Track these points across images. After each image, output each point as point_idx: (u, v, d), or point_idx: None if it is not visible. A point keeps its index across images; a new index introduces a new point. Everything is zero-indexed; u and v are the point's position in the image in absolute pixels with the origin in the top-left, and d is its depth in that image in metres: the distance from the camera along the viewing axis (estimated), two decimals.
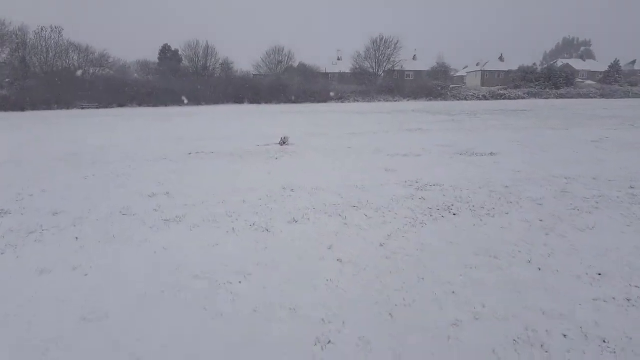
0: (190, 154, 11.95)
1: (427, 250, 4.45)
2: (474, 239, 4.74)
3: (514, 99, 54.55)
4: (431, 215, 5.63)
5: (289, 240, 4.85)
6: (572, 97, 54.18)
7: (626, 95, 53.85)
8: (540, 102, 44.80)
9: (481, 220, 5.42)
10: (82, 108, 53.30)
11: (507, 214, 5.67)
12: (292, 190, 7.11)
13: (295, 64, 63.43)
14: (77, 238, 5.02)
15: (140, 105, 58.10)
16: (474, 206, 6.02)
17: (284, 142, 12.94)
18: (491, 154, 10.61)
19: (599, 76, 69.69)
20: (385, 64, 63.67)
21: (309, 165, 9.39)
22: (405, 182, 7.54)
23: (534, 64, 65.73)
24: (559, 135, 14.26)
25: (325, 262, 4.22)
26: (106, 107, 54.29)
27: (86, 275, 4.02)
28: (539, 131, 15.57)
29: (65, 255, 4.50)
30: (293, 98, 53.57)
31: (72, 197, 6.99)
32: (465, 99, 55.56)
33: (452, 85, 59.96)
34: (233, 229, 5.25)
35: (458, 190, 6.92)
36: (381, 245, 4.60)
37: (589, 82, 65.19)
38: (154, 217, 5.81)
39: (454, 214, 5.68)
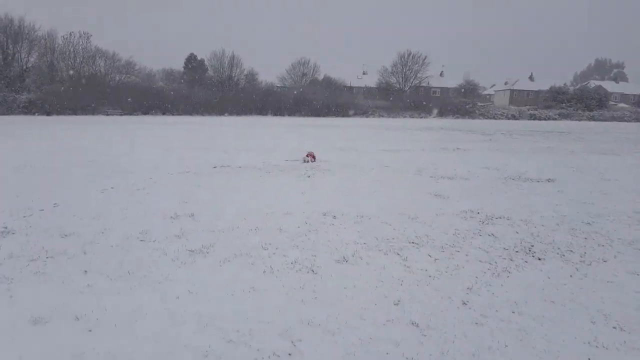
0: (215, 167, 11.15)
1: (525, 314, 3.43)
2: (582, 299, 3.69)
3: (545, 119, 52.89)
4: (512, 260, 4.61)
5: (342, 287, 3.89)
6: (604, 120, 52.23)
7: None
8: (572, 123, 43.13)
9: (577, 269, 4.37)
10: (107, 114, 53.76)
11: (605, 261, 4.60)
12: (334, 217, 6.17)
13: (320, 77, 63.03)
14: (85, 271, 4.15)
15: (164, 113, 58.33)
16: (559, 249, 4.96)
17: (313, 158, 12.06)
18: (548, 180, 9.50)
19: (632, 99, 67.37)
20: (412, 80, 62.77)
21: (347, 186, 8.46)
22: (464, 212, 6.52)
23: (565, 84, 63.88)
24: (612, 161, 13.01)
25: (396, 326, 3.24)
26: (130, 114, 54.69)
27: (90, 331, 3.12)
28: (590, 156, 14.33)
29: (69, 297, 3.62)
30: (317, 111, 52.99)
31: (86, 214, 6.18)
32: (494, 117, 54.14)
33: (480, 104, 58.59)
34: (271, 267, 4.32)
35: (531, 225, 5.87)
36: (464, 303, 3.59)
37: (621, 104, 63.00)
38: (176, 245, 4.92)
39: (539, 259, 4.64)
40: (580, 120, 51.96)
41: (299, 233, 5.43)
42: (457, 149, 15.63)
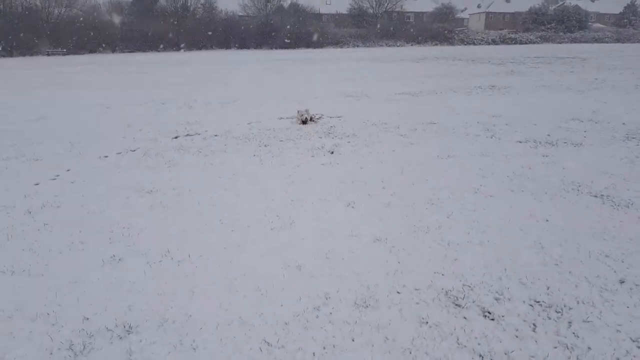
0: (177, 137, 7.05)
1: None
2: None
3: (526, 43, 49.20)
4: None
5: None
6: (586, 42, 49.01)
7: None
8: (560, 47, 39.60)
9: None
10: (48, 54, 46.22)
11: None
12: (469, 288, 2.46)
13: (286, 4, 56.09)
14: None
15: (113, 51, 50.88)
16: None
17: (316, 116, 8.04)
18: None
19: (608, 19, 64.08)
20: (385, 4, 56.80)
21: (411, 179, 4.68)
22: None
23: (544, 4, 59.50)
24: None
25: None
26: (75, 53, 47.27)
27: None
28: None
29: None
30: (286, 42, 47.22)
31: None
32: (474, 43, 50.01)
33: (459, 29, 53.96)
34: None
35: None
36: None
37: (598, 25, 59.61)
38: None
39: None
40: (561, 43, 48.53)
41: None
42: (492, 86, 11.81)
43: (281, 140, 6.68)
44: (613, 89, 10.94)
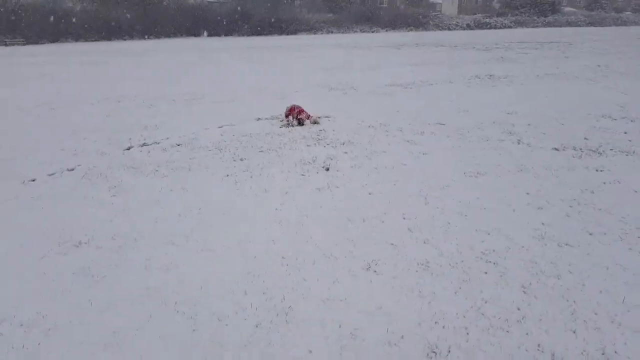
0: (129, 148, 5.56)
1: None
2: None
3: (500, 27, 48.52)
4: None
5: None
6: (560, 26, 48.67)
7: (615, 22, 48.89)
8: (536, 31, 38.99)
9: None
10: (5, 44, 42.73)
11: None
12: None
13: None
14: None
15: (77, 40, 47.61)
16: None
17: (300, 115, 6.66)
18: None
19: (579, 2, 64.19)
20: None
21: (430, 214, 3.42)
22: None
23: None
24: None
25: None
26: (35, 42, 43.90)
27: None
28: None
29: None
30: (257, 30, 45.12)
31: None
32: (449, 28, 49.03)
33: (434, 13, 52.87)
34: None
35: None
36: None
37: (569, 8, 59.55)
38: None
39: None
40: (536, 27, 48.05)
41: None
42: (490, 76, 10.63)
43: (261, 151, 5.29)
44: (622, 76, 9.93)
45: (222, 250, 2.96)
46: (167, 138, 6.02)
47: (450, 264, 2.68)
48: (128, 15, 45.03)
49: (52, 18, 44.29)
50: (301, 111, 6.66)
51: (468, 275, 2.56)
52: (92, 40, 46.30)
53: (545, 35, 27.44)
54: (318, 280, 2.56)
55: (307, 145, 5.45)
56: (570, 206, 3.49)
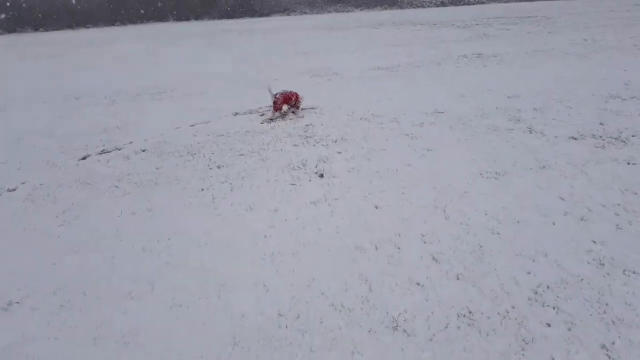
0: (86, 157, 4.74)
1: None
2: None
3: (474, 4, 48.06)
4: None
5: None
6: (533, 0, 48.45)
7: None
8: (511, 6, 38.59)
9: None
10: None
11: None
12: None
13: None
14: None
15: (36, 29, 44.90)
16: None
17: (291, 101, 5.94)
18: None
19: None
20: None
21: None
22: None
23: None
24: None
25: None
26: None
27: None
28: None
29: None
30: (227, 12, 43.43)
31: None
32: (423, 6, 48.32)
33: None
34: None
35: None
36: None
37: None
38: None
39: None
40: (509, 2, 47.72)
41: None
42: (479, 55, 10.00)
43: (241, 154, 4.54)
44: (614, 51, 9.44)
45: (199, 306, 2.25)
46: (130, 142, 5.19)
47: (499, 313, 2.05)
48: (92, 2, 42.66)
49: (9, 7, 41.67)
50: (297, 98, 5.95)
51: (528, 331, 1.92)
52: (53, 29, 43.80)
53: (521, 10, 27.02)
54: (330, 351, 1.89)
55: (294, 145, 4.72)
56: (617, 214, 2.90)
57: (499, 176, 3.59)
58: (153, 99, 7.58)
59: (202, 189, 3.74)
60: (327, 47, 13.71)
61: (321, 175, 3.87)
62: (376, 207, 3.20)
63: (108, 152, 4.92)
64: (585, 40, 11.32)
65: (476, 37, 13.50)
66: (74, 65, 12.97)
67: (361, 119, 5.56)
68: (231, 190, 3.69)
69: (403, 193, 3.39)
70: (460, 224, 2.89)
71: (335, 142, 4.72)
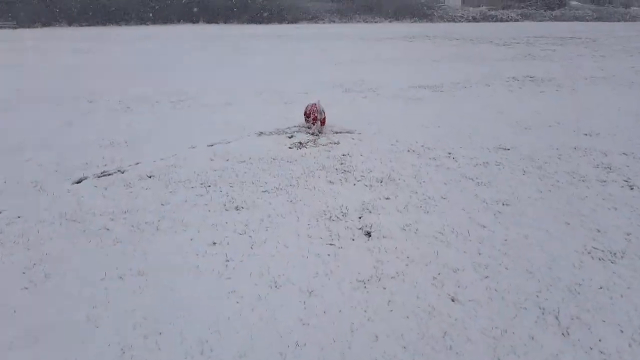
0: (81, 181, 3.90)
1: None
2: None
3: (507, 20, 46.58)
4: None
5: None
6: (567, 20, 46.69)
7: (623, 18, 46.97)
8: (545, 25, 37.09)
9: None
10: None
11: None
12: None
13: None
14: None
15: (70, 24, 45.31)
16: None
17: (316, 120, 5.11)
18: None
19: None
20: None
21: None
22: None
23: None
24: None
25: None
26: (27, 26, 41.59)
27: None
28: None
29: None
30: (257, 17, 42.98)
31: None
32: (454, 20, 47.01)
33: (438, 4, 50.74)
34: None
35: None
36: None
37: (575, 2, 57.47)
38: None
39: None
40: (542, 20, 46.12)
41: None
42: (532, 78, 8.93)
43: (265, 191, 3.64)
44: None
45: None
46: (137, 163, 4.34)
47: None
48: (126, 0, 42.82)
49: (46, 3, 42.17)
50: (314, 112, 5.19)
51: None
52: (87, 25, 44.15)
53: (559, 30, 25.69)
54: None
55: (330, 182, 3.80)
56: None
57: (615, 258, 2.60)
58: (173, 108, 6.78)
59: (214, 243, 2.85)
60: (359, 58, 12.80)
61: (368, 234, 2.93)
62: (453, 301, 2.24)
63: (109, 174, 4.09)
64: None
65: (521, 57, 12.41)
66: (97, 63, 12.36)
67: (408, 150, 4.61)
68: (251, 247, 2.79)
69: (487, 277, 2.43)
70: (591, 348, 1.90)
71: (381, 182, 3.78)
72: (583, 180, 3.77)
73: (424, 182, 3.77)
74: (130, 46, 18.25)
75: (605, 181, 3.75)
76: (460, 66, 10.66)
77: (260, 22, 42.92)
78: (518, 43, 17.09)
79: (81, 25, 44.19)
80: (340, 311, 2.17)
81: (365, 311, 2.17)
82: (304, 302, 2.24)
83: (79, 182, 3.94)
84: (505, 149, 4.60)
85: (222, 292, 2.34)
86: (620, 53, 13.22)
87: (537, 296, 2.25)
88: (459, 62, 11.43)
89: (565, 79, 8.68)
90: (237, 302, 2.26)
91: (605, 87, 7.84)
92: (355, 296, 2.29)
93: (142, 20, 44.04)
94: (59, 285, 2.44)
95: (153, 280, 2.46)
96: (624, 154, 4.41)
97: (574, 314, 2.11)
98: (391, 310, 2.17)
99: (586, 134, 5.07)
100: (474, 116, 5.96)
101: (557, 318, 2.09)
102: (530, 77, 8.86)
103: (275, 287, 2.38)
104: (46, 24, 44.23)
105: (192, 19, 42.79)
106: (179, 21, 42.76)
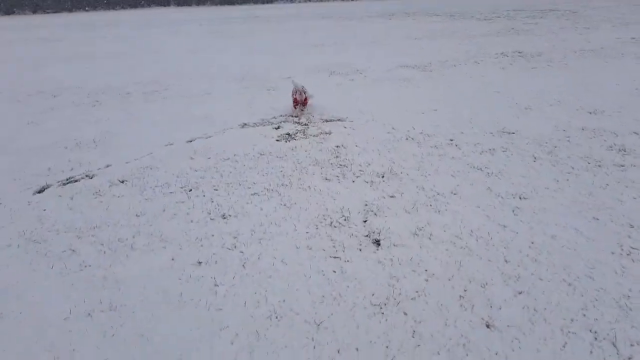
0: (43, 190, 3.40)
1: None
2: None
3: None
4: None
5: None
6: None
7: None
8: None
9: None
10: None
11: None
12: None
13: None
14: None
15: (34, 11, 43.01)
16: None
17: (299, 103, 4.71)
18: None
19: None
20: None
21: None
22: None
23: None
24: None
25: None
26: None
27: None
28: None
29: None
30: None
31: None
32: None
33: None
34: None
35: None
36: None
37: None
38: None
39: None
40: None
41: None
42: (520, 53, 8.60)
43: (255, 193, 3.22)
44: None
45: None
46: (107, 166, 3.84)
47: None
48: None
49: None
50: (298, 98, 4.83)
51: None
52: (51, 11, 42.02)
53: (537, 3, 25.37)
54: None
55: (326, 180, 3.39)
56: None
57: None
58: (145, 100, 6.21)
59: (200, 262, 2.42)
60: (341, 39, 12.25)
61: (376, 242, 2.55)
62: (488, 327, 1.88)
63: (75, 181, 3.59)
64: (633, 38, 9.90)
65: (505, 32, 12.05)
66: (62, 54, 11.51)
67: (407, 138, 4.22)
68: (243, 265, 2.38)
69: (520, 292, 2.08)
70: None
71: (383, 177, 3.39)
72: (599, 166, 3.45)
73: (429, 175, 3.40)
74: (97, 32, 17.21)
75: (623, 165, 3.44)
76: (445, 43, 10.25)
77: (233, 3, 41.51)
78: (499, 17, 16.73)
79: (46, 13, 42.04)
80: (357, 349, 1.79)
81: (387, 347, 1.79)
82: (312, 339, 1.86)
83: (40, 191, 3.44)
84: (509, 133, 4.25)
85: (213, 329, 1.94)
86: (603, 24, 12.99)
87: (585, 315, 1.91)
88: (443, 39, 11.01)
89: (554, 53, 8.37)
90: (232, 343, 1.85)
91: (597, 61, 7.56)
92: (373, 327, 1.91)
93: (110, 5, 42.16)
94: (13, 329, 1.99)
95: (127, 316, 2.04)
96: (634, 133, 4.11)
97: (633, 339, 1.78)
98: (418, 345, 1.80)
99: (590, 113, 4.75)
100: (470, 97, 5.60)
101: (614, 345, 1.75)
102: (519, 53, 8.51)
103: (276, 318, 1.99)
104: (8, 12, 41.93)
105: (163, 2, 41.14)
106: (149, 5, 41.03)
